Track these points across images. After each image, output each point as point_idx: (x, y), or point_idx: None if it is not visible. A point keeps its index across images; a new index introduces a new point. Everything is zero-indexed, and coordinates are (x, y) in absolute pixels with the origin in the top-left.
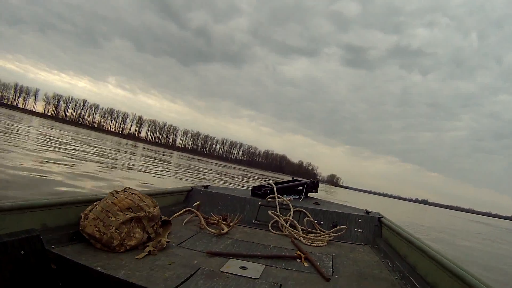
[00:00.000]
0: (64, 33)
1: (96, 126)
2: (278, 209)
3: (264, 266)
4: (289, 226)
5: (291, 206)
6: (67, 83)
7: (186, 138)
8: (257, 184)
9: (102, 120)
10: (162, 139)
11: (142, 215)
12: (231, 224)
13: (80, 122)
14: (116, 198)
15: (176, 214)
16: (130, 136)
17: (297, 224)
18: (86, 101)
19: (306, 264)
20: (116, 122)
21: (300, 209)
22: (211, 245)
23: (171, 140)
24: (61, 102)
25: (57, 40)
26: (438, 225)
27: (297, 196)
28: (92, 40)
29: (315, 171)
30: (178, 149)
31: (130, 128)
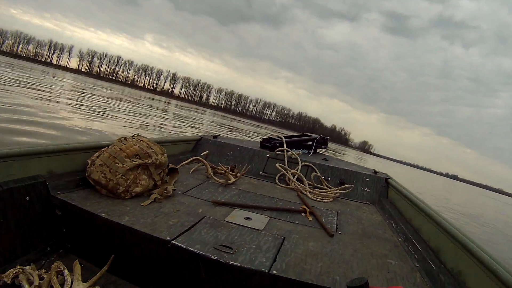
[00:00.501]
0: None
1: (129, 82)
2: (286, 163)
3: (269, 218)
4: (296, 180)
5: (299, 160)
6: (104, 41)
7: (220, 96)
8: (266, 137)
9: (136, 77)
10: (195, 96)
11: (149, 162)
12: (238, 174)
13: (113, 78)
14: (124, 144)
15: (184, 163)
16: (164, 93)
17: (304, 178)
18: (120, 57)
19: (310, 219)
20: (150, 78)
21: (308, 163)
22: (217, 195)
23: (204, 98)
24: (95, 58)
25: None
26: (475, 211)
27: (306, 151)
28: None
29: (347, 137)
30: (211, 107)
31: (164, 85)
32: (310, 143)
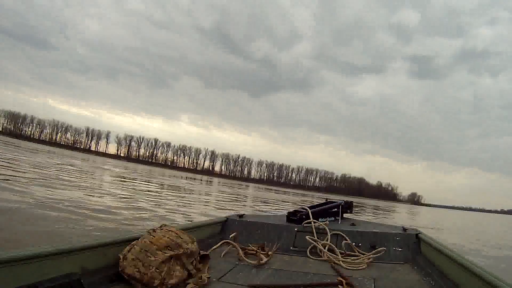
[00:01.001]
0: (133, 77)
1: (169, 163)
2: (315, 234)
3: None
4: (327, 250)
5: (327, 229)
6: (141, 125)
7: (261, 169)
8: (292, 210)
9: (175, 158)
10: (236, 171)
11: (181, 252)
12: (270, 253)
13: (152, 161)
14: (154, 237)
15: (214, 247)
16: (204, 172)
17: (335, 247)
18: (157, 139)
19: None
20: (189, 158)
21: (337, 232)
22: (252, 277)
23: (246, 172)
24: (133, 143)
25: (127, 84)
26: None
27: (333, 218)
28: (161, 81)
29: (395, 191)
30: (253, 180)
31: (204, 163)
32: (336, 209)
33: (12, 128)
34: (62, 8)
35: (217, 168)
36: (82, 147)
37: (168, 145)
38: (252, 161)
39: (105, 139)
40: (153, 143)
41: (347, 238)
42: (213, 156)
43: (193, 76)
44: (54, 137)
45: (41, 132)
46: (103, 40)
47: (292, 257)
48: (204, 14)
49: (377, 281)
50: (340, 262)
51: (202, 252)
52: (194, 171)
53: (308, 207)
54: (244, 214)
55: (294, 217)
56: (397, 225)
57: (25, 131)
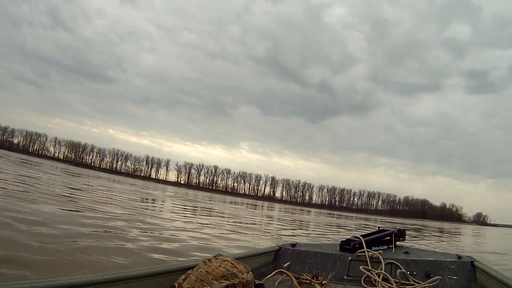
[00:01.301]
0: (191, 106)
1: (229, 190)
2: (368, 263)
3: None
4: (381, 280)
5: (381, 258)
6: (202, 153)
7: (322, 193)
8: (345, 239)
9: (236, 184)
10: (298, 197)
11: (236, 282)
12: (324, 282)
13: (213, 187)
14: (210, 266)
15: (268, 277)
16: (265, 198)
17: (390, 277)
18: (217, 167)
19: None
20: (250, 184)
21: (391, 260)
22: None
23: (307, 197)
24: (193, 170)
25: (186, 113)
26: None
27: (386, 247)
28: (220, 110)
29: (459, 212)
30: (315, 206)
31: (264, 189)
32: (389, 237)
33: (73, 157)
34: (118, 43)
35: (278, 194)
36: (142, 174)
37: (228, 171)
38: (313, 186)
39: (165, 166)
40: (213, 170)
41: (401, 266)
42: (273, 182)
43: (251, 104)
44: (114, 165)
45: (101, 161)
46: (159, 71)
47: (346, 287)
48: (256, 43)
49: None
50: None
51: (256, 282)
52: (255, 197)
53: (361, 235)
54: (297, 243)
55: (348, 245)
56: (451, 252)
57: (86, 159)
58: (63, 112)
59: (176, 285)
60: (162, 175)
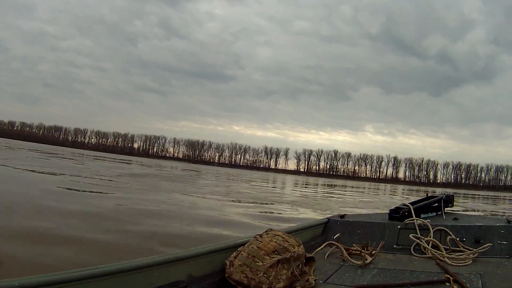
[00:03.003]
0: (313, 94)
1: (350, 174)
2: (417, 231)
3: None
4: (431, 247)
5: (429, 226)
6: (327, 139)
7: (447, 171)
8: (393, 207)
9: (357, 168)
10: (421, 176)
11: (288, 256)
12: (374, 252)
13: (333, 173)
14: (261, 242)
15: (318, 249)
16: (387, 180)
17: (440, 244)
18: (337, 151)
19: (455, 287)
20: (371, 167)
21: (440, 227)
22: (357, 278)
23: (431, 176)
24: (312, 157)
25: (308, 101)
26: None
27: (434, 214)
28: (341, 94)
29: None
30: (439, 185)
31: (386, 171)
32: (437, 204)
33: (192, 155)
34: (232, 42)
35: (400, 175)
36: (261, 165)
37: (349, 155)
38: (437, 164)
39: (284, 156)
40: (333, 155)
41: (451, 233)
42: (396, 162)
43: (371, 84)
44: (233, 159)
45: (220, 156)
46: (277, 63)
47: (396, 256)
48: (369, 20)
49: (484, 277)
50: (445, 258)
51: (307, 255)
52: (377, 179)
53: (410, 203)
54: (345, 214)
55: (396, 214)
56: (500, 217)
57: (205, 156)
58: (187, 115)
59: (228, 262)
60: (281, 164)
